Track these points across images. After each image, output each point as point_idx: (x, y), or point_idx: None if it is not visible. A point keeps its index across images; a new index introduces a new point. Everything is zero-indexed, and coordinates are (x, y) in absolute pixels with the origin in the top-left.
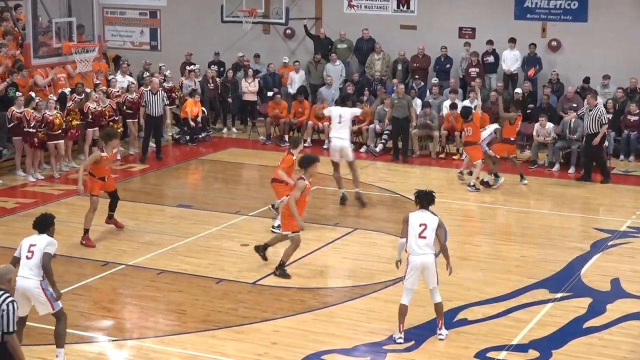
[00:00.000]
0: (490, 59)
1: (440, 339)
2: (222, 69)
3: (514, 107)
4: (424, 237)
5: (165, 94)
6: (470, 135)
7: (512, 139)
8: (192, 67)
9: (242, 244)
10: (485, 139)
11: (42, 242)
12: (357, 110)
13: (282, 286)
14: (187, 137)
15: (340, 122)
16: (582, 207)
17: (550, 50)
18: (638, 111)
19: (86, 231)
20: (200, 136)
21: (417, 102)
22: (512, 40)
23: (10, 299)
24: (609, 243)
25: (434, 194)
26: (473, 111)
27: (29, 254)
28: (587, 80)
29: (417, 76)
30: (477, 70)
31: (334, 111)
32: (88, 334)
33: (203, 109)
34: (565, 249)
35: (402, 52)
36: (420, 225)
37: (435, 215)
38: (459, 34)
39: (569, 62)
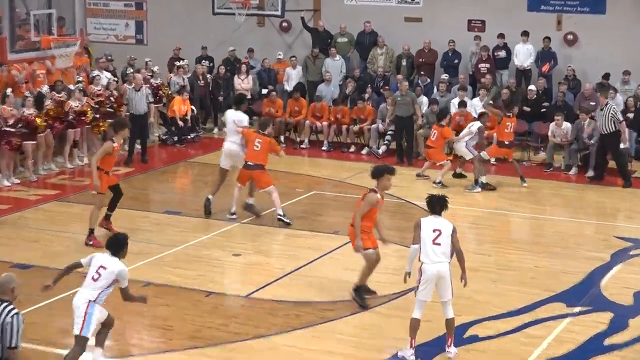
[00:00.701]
0: (502, 53)
1: (449, 358)
2: (210, 64)
3: (496, 107)
4: (439, 244)
5: (149, 91)
6: (435, 140)
7: (507, 142)
8: (180, 62)
9: (234, 253)
10: (465, 139)
11: (113, 267)
12: (243, 119)
13: (277, 300)
14: (175, 138)
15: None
16: (601, 213)
17: (566, 44)
18: None
19: (92, 231)
20: (189, 137)
21: (424, 100)
22: (525, 34)
23: (14, 311)
24: (631, 252)
25: (447, 198)
26: (451, 113)
27: (96, 275)
28: (606, 76)
29: (422, 72)
30: (488, 65)
31: (228, 115)
32: (66, 351)
33: (192, 107)
34: (583, 259)
35: (407, 46)
36: (434, 231)
37: (449, 222)
38: (468, 27)
39: (586, 57)
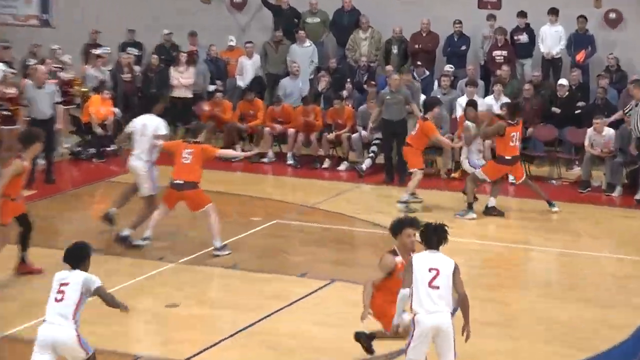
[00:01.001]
0: (523, 37)
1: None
2: (139, 52)
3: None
4: (437, 287)
5: (57, 88)
6: (414, 136)
7: (508, 157)
8: (99, 50)
9: (168, 304)
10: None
11: (76, 279)
12: (160, 127)
13: None
14: (92, 150)
15: (144, 136)
16: None
17: (607, 25)
18: None
19: None
20: (109, 148)
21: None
22: (554, 12)
23: None
24: None
25: (446, 228)
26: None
27: (59, 295)
28: None
29: (419, 62)
30: (505, 53)
31: (137, 121)
32: None
33: (115, 109)
34: (631, 307)
35: (398, 28)
36: (430, 270)
37: (449, 258)
38: (479, 4)
39: (634, 43)
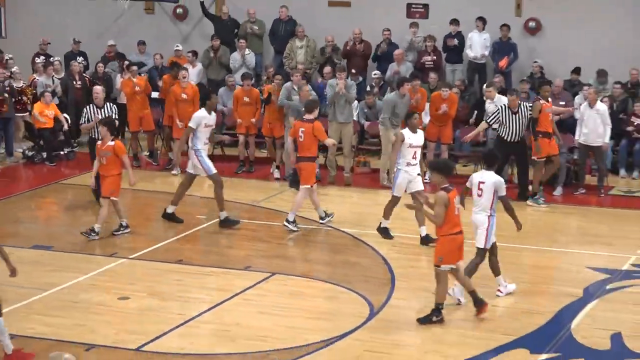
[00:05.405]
0: (455, 43)
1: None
2: (85, 61)
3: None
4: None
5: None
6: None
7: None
8: (51, 59)
9: (120, 296)
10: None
11: None
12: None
13: (176, 353)
14: (44, 154)
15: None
16: (572, 239)
17: (527, 32)
18: None
19: None
20: (61, 152)
21: (354, 104)
22: (481, 20)
23: None
24: (608, 287)
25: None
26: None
27: None
28: (577, 70)
29: (353, 70)
30: (434, 59)
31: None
32: None
33: (65, 115)
34: (551, 295)
35: (331, 37)
36: None
37: None
38: (407, 13)
39: (552, 50)
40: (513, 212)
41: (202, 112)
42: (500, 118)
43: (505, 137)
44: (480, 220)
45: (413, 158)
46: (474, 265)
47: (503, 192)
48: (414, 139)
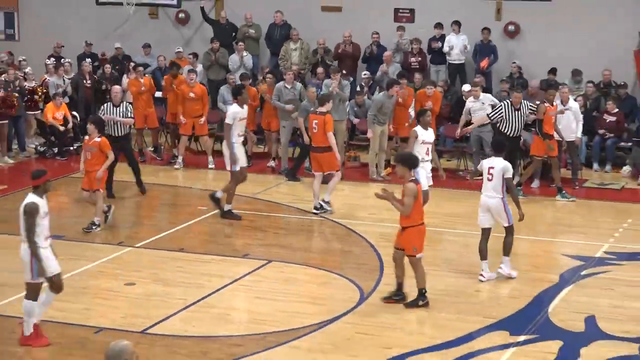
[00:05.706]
0: (439, 46)
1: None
2: (96, 63)
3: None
4: None
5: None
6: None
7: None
8: (63, 61)
9: (126, 282)
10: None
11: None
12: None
13: (179, 335)
14: (55, 150)
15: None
16: (548, 228)
17: (507, 36)
18: (616, 110)
19: None
20: (71, 148)
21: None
22: (457, 24)
23: None
24: (582, 273)
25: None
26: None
27: None
28: (553, 71)
29: (344, 71)
30: (420, 60)
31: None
32: None
33: (74, 113)
34: (529, 280)
35: (322, 40)
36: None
37: None
38: (395, 17)
39: (530, 52)
40: (516, 197)
41: (235, 108)
42: (503, 113)
43: (505, 132)
44: (495, 204)
45: (426, 154)
46: (509, 242)
47: (509, 175)
48: (426, 135)
